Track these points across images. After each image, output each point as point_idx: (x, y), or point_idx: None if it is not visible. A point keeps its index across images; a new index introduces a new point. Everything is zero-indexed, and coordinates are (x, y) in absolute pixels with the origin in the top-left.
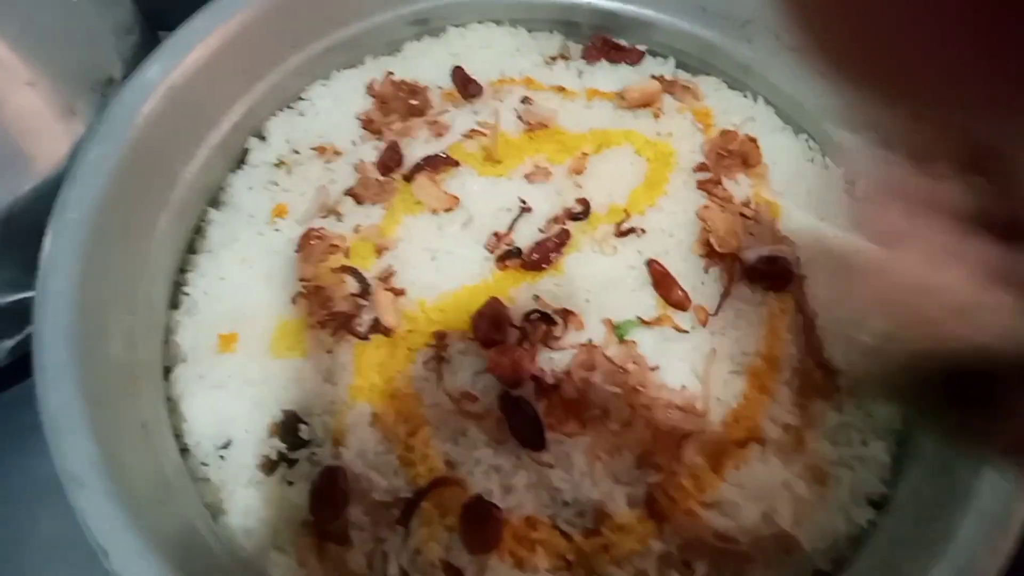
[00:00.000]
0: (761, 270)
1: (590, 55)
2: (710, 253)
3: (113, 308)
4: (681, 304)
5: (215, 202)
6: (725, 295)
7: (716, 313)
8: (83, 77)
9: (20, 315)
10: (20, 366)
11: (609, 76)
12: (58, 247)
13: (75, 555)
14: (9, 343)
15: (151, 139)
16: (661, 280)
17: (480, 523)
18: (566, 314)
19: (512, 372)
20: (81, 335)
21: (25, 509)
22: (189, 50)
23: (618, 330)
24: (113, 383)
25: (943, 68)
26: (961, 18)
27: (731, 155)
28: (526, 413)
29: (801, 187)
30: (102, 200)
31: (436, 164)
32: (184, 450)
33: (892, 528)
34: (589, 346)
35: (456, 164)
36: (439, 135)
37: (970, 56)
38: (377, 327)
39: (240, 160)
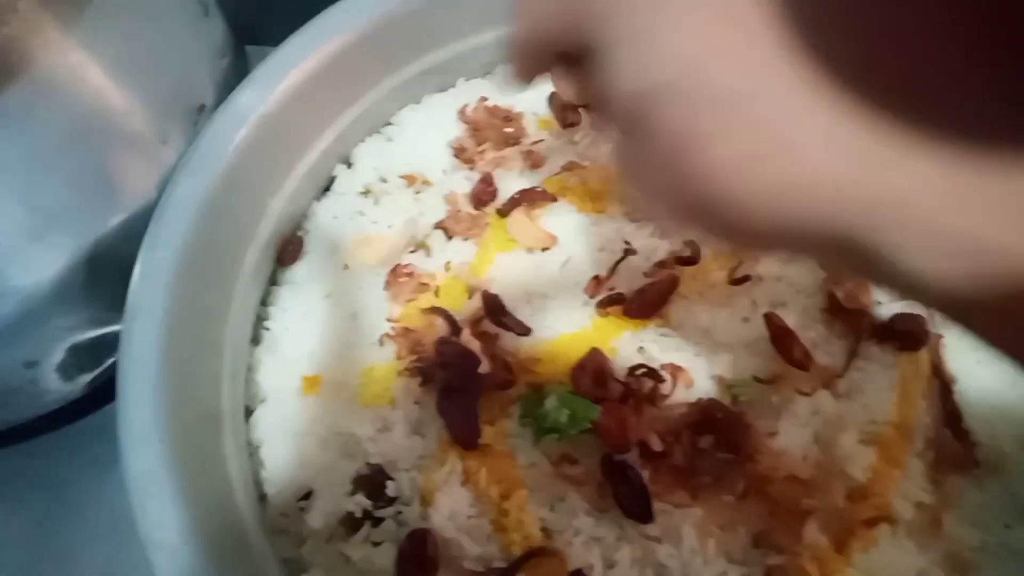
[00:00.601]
0: (893, 328)
1: None
2: (834, 307)
3: (199, 352)
4: (803, 364)
5: (298, 229)
6: (851, 355)
7: (842, 375)
8: (176, 104)
9: (100, 350)
10: (94, 397)
11: None
12: (145, 288)
13: None
14: (87, 377)
15: (242, 170)
16: (780, 337)
17: None
18: (674, 370)
19: (618, 434)
20: (167, 386)
21: (99, 544)
22: (283, 76)
23: (732, 389)
24: (200, 434)
25: None
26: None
27: None
28: (632, 480)
29: None
30: (191, 236)
31: (533, 198)
32: (262, 498)
33: None
34: (700, 406)
35: (554, 199)
36: (535, 166)
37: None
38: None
39: (325, 188)
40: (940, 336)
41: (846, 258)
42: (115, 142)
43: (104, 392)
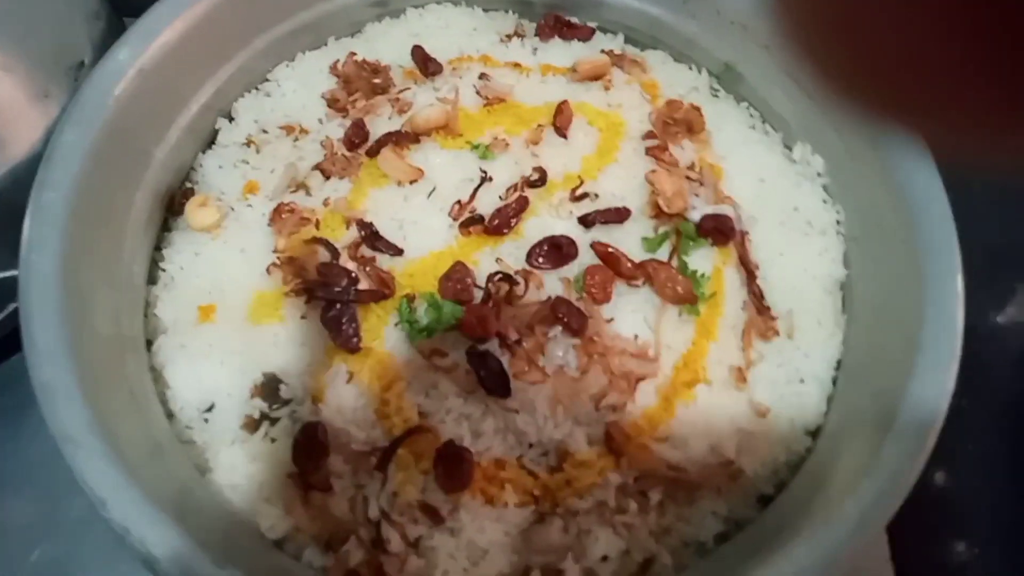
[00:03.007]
0: (706, 227)
1: (543, 33)
2: (659, 214)
3: (96, 285)
4: (631, 275)
5: (186, 180)
6: (674, 252)
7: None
8: (56, 62)
9: (2, 295)
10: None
11: (562, 52)
12: (38, 226)
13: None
14: None
15: (124, 121)
16: (607, 259)
17: (453, 465)
18: (527, 274)
19: (479, 329)
20: (67, 311)
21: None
22: (157, 33)
23: (575, 284)
24: (100, 355)
25: (935, 79)
26: (952, 28)
27: (676, 123)
28: (492, 365)
29: (743, 151)
30: (79, 180)
31: (400, 139)
32: (170, 416)
33: (825, 453)
34: (549, 302)
35: (417, 140)
36: (401, 112)
37: (961, 68)
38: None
39: (210, 140)
40: (745, 232)
41: None
42: None
43: (7, 346)
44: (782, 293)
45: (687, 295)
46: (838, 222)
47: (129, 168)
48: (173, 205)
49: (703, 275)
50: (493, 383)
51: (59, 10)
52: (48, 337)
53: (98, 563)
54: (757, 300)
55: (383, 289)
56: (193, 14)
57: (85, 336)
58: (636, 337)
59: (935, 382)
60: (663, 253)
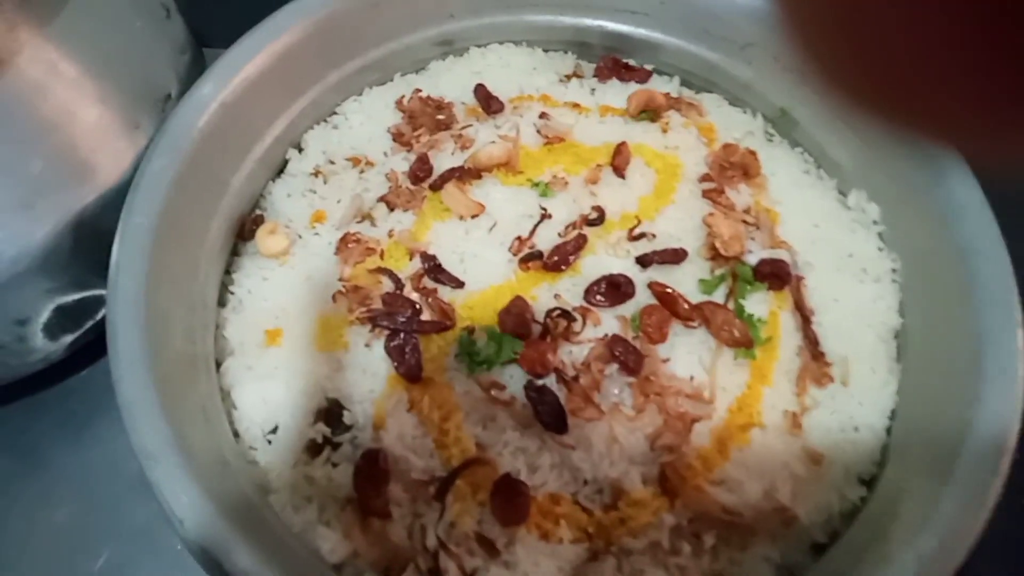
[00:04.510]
0: (763, 271)
1: (601, 74)
2: (716, 256)
3: (174, 306)
4: (689, 316)
5: (256, 207)
6: (730, 294)
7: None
8: (146, 94)
9: (81, 312)
10: (73, 361)
11: (619, 93)
12: (127, 250)
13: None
14: (69, 338)
15: (205, 151)
16: (665, 300)
17: (509, 499)
18: (584, 311)
19: (537, 364)
20: (149, 329)
21: (75, 499)
22: (239, 69)
23: (632, 323)
24: (177, 372)
25: (938, 82)
26: (958, 30)
27: (733, 167)
28: (550, 400)
29: (798, 196)
30: (163, 207)
31: (462, 174)
32: (236, 435)
33: (881, 503)
34: (606, 340)
35: (479, 175)
36: (464, 148)
37: (965, 70)
38: (422, 325)
39: (280, 170)
40: (801, 277)
41: None
42: (92, 126)
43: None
44: (837, 339)
45: (743, 339)
46: (894, 270)
47: (208, 196)
48: (243, 231)
49: (759, 319)
50: (550, 418)
51: (150, 45)
52: (132, 356)
53: (162, 570)
54: (812, 345)
55: (445, 320)
56: (273, 50)
57: (165, 355)
58: (692, 378)
59: (996, 436)
60: (719, 295)
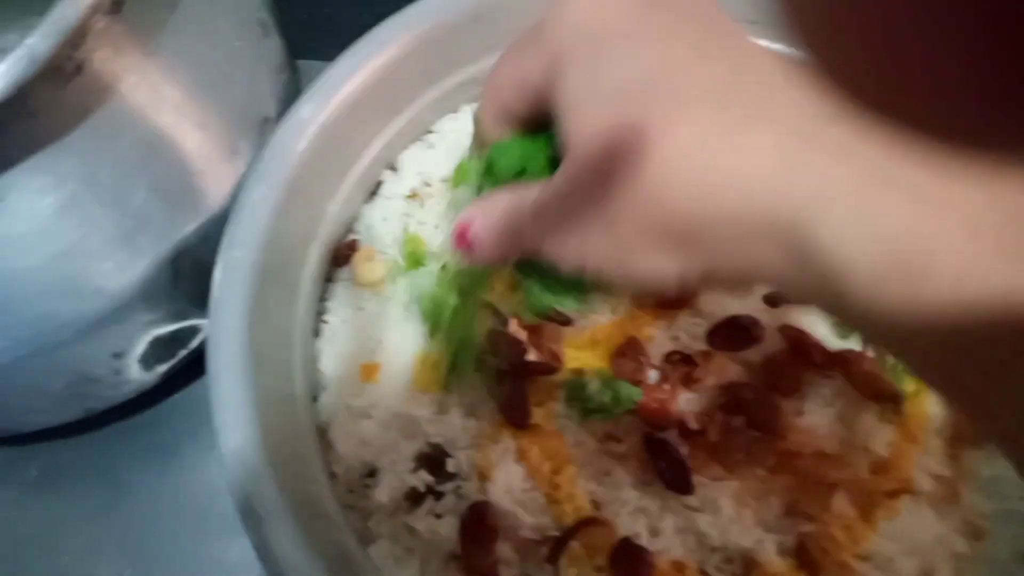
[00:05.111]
0: None
1: None
2: None
3: (274, 341)
4: (824, 365)
5: (349, 231)
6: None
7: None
8: (244, 118)
9: (176, 343)
10: (162, 388)
11: None
12: (228, 285)
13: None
14: (163, 367)
15: (304, 176)
16: (798, 346)
17: (630, 565)
18: (707, 355)
19: (659, 415)
20: (250, 371)
21: (164, 532)
22: (338, 89)
23: (759, 371)
24: (277, 415)
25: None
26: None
27: None
28: (672, 456)
29: None
30: (264, 237)
31: None
32: (331, 476)
33: None
34: (731, 388)
35: None
36: None
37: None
38: (528, 366)
39: (373, 192)
40: None
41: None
42: (192, 153)
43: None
44: None
45: (888, 392)
46: None
47: (307, 223)
48: (337, 256)
49: (905, 369)
50: (673, 477)
51: (247, 65)
52: (236, 401)
53: None
54: None
55: (553, 362)
56: (371, 69)
57: (268, 398)
58: (830, 436)
59: None
60: (857, 341)
